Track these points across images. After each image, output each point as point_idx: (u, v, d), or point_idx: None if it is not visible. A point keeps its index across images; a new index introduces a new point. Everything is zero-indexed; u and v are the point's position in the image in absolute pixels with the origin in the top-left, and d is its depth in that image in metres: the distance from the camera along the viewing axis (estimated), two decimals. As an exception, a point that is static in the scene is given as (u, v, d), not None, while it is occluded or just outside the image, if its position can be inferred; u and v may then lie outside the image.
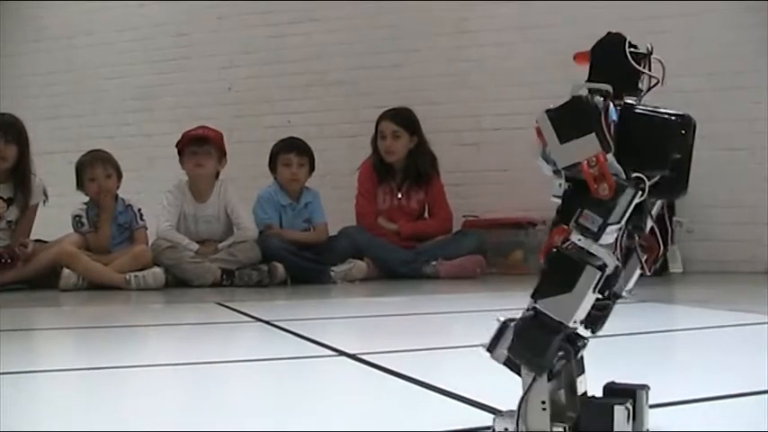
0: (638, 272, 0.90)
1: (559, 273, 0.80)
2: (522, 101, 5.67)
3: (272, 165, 5.06)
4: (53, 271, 4.40)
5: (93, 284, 4.31)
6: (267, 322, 2.57)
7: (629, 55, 0.84)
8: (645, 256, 0.88)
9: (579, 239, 0.81)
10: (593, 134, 0.81)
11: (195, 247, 4.63)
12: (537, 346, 0.82)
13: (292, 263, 4.55)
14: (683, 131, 0.83)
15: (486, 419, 1.11)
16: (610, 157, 0.80)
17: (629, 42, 0.85)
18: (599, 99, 0.83)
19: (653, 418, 1.15)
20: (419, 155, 5.15)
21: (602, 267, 0.79)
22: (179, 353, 2.02)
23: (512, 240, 5.30)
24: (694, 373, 1.58)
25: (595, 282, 0.79)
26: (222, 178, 4.93)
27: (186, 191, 4.85)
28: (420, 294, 3.59)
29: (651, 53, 0.87)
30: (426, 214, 5.26)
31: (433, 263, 4.80)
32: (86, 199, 4.73)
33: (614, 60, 0.85)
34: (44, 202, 4.73)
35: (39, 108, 6.35)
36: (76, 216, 4.67)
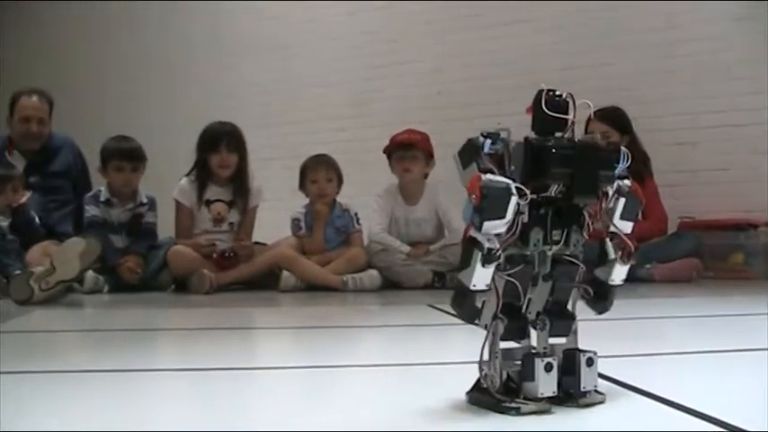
0: (619, 265, 1.30)
1: (464, 255, 1.17)
2: (740, 96, 5.42)
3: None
4: (271, 272, 4.58)
5: (311, 286, 4.46)
6: (478, 325, 2.57)
7: (543, 107, 1.19)
8: (620, 252, 1.30)
9: (472, 231, 1.16)
10: (474, 163, 1.19)
11: (407, 249, 4.70)
12: (457, 304, 1.21)
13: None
14: (553, 152, 1.18)
15: (699, 427, 1.07)
16: (487, 176, 1.15)
17: (553, 93, 1.21)
18: (480, 139, 1.19)
19: None
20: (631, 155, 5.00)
21: (481, 248, 1.14)
22: (388, 354, 2.06)
23: (730, 243, 5.04)
24: None
25: (480, 258, 1.14)
26: (433, 181, 4.97)
27: (396, 194, 4.93)
28: (633, 298, 3.49)
29: (570, 96, 1.23)
30: (639, 216, 5.09)
31: (647, 266, 4.60)
32: (306, 201, 4.89)
33: (538, 111, 1.20)
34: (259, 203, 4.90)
35: (257, 116, 6.62)
36: (295, 219, 4.84)
